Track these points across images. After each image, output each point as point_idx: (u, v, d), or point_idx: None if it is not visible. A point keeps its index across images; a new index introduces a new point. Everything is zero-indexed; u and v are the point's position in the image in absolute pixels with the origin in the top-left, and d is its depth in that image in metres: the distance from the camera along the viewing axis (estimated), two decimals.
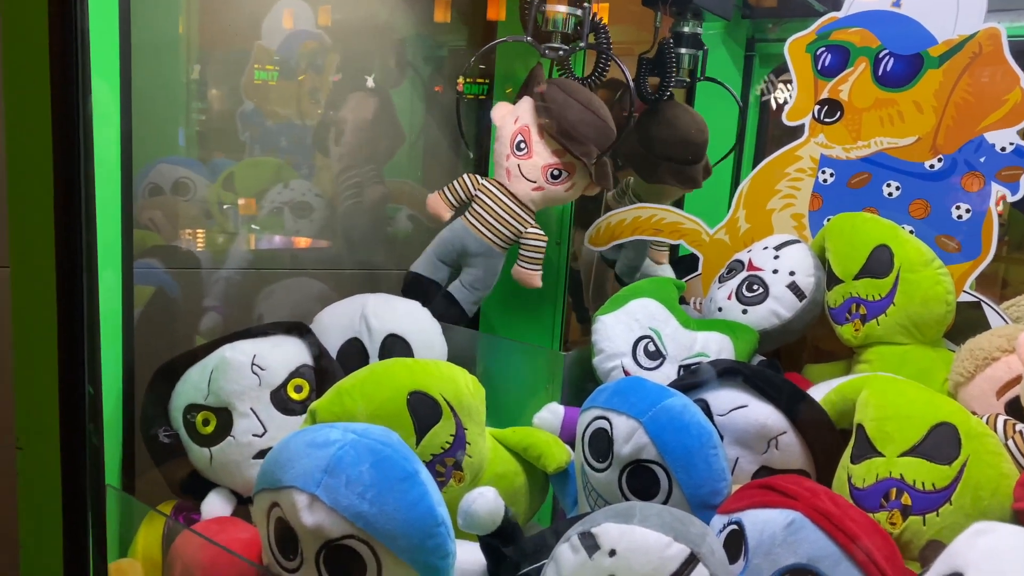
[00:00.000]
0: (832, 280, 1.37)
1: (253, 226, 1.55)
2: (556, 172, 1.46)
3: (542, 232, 1.50)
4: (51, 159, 0.89)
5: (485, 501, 0.89)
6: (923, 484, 0.96)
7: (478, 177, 1.52)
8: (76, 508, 0.95)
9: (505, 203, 1.47)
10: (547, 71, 1.60)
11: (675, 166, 1.76)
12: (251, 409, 1.12)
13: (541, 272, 1.50)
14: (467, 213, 1.51)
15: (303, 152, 1.58)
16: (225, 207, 1.51)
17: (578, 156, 1.44)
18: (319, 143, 1.58)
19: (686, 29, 1.80)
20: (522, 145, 1.46)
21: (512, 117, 1.50)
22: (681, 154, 1.76)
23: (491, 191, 1.49)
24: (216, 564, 0.97)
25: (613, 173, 1.55)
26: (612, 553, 0.77)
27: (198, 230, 1.47)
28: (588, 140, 1.44)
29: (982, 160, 1.35)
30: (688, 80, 1.85)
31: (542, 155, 1.46)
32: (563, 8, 1.46)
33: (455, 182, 1.52)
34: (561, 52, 1.49)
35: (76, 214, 0.90)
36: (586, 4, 1.49)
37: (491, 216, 1.46)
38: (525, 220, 1.48)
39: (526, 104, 1.50)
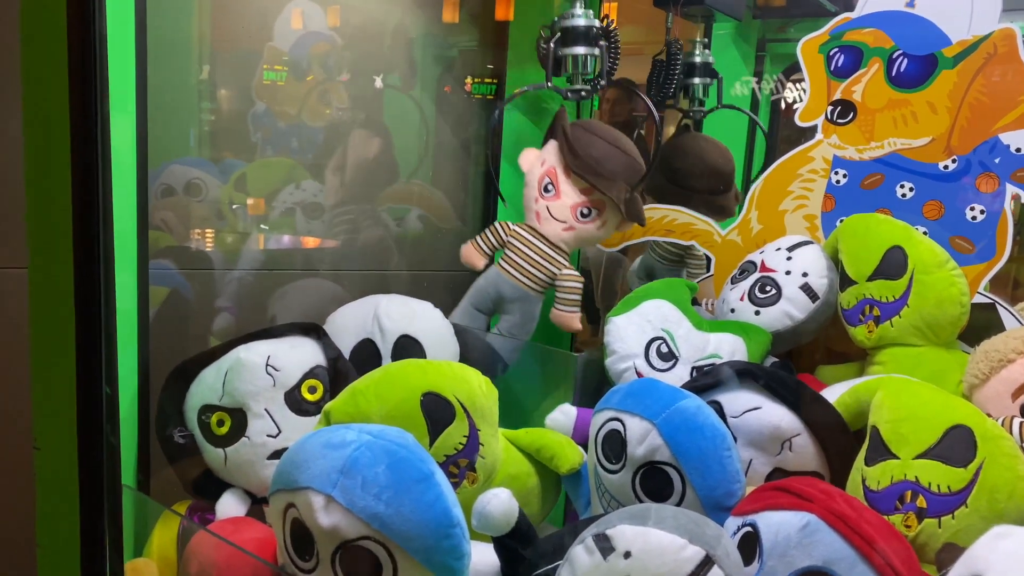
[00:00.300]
0: (845, 281, 1.36)
1: (266, 227, 1.55)
2: (585, 211, 1.47)
3: (577, 273, 1.51)
4: (69, 161, 0.89)
5: (499, 502, 0.89)
6: (939, 487, 0.95)
7: (509, 223, 1.53)
8: (93, 508, 0.96)
9: (537, 246, 1.48)
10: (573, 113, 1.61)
11: (707, 197, 1.76)
12: (265, 410, 1.13)
13: (580, 313, 1.51)
14: (501, 260, 1.52)
15: (314, 153, 1.58)
16: (238, 208, 1.51)
17: (606, 193, 1.44)
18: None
19: (698, 59, 1.81)
20: (549, 187, 1.47)
21: (539, 161, 1.52)
22: (711, 184, 1.76)
23: (523, 236, 1.50)
24: (231, 564, 0.98)
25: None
26: (627, 555, 0.77)
27: (211, 231, 1.48)
28: (616, 176, 1.45)
29: (997, 161, 1.35)
30: (703, 110, 1.86)
31: (570, 195, 1.47)
32: (582, 49, 1.47)
33: (487, 230, 1.54)
34: (583, 94, 1.50)
35: (94, 216, 0.91)
36: (601, 43, 1.50)
37: (525, 260, 1.47)
38: (559, 262, 1.49)
39: (552, 147, 1.51)
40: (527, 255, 1.47)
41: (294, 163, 1.57)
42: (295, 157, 1.56)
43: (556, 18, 1.51)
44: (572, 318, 1.49)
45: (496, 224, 1.53)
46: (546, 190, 1.47)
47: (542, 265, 1.47)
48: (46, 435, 0.96)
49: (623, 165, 1.46)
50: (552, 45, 1.48)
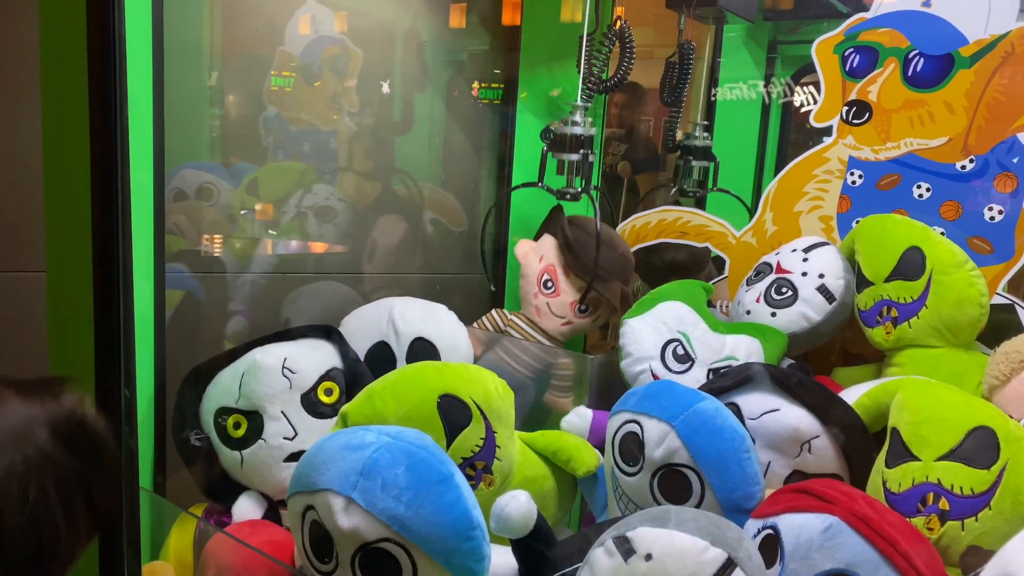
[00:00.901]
0: (862, 283, 1.35)
1: (278, 230, 1.55)
2: (583, 308, 1.53)
3: (571, 360, 1.55)
4: (88, 166, 0.90)
5: (518, 504, 0.88)
6: (961, 489, 0.94)
7: (506, 313, 1.59)
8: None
9: (536, 338, 1.54)
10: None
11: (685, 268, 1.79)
12: (282, 412, 1.13)
13: (572, 397, 1.54)
14: (498, 349, 1.55)
15: (326, 157, 1.58)
16: (250, 212, 1.52)
17: (603, 295, 1.50)
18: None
19: (697, 142, 1.83)
20: (549, 284, 1.53)
21: (536, 256, 1.56)
22: (684, 257, 1.77)
23: (521, 327, 1.56)
24: (248, 566, 0.98)
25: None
26: (648, 557, 0.77)
27: (224, 235, 1.48)
28: (612, 276, 1.51)
29: (1015, 161, 1.33)
30: (698, 190, 1.90)
31: (568, 293, 1.53)
32: (576, 156, 1.54)
33: (484, 319, 1.59)
34: (568, 196, 1.57)
35: (112, 220, 0.91)
36: (591, 152, 1.56)
37: (523, 352, 1.52)
38: (555, 352, 1.54)
39: (549, 243, 1.56)
40: (526, 347, 1.52)
41: (306, 168, 1.57)
42: (306, 161, 1.57)
43: (557, 122, 1.58)
44: (566, 403, 1.53)
45: (493, 312, 1.59)
46: (546, 286, 1.53)
47: (540, 356, 1.52)
48: None
49: (618, 266, 1.53)
50: (544, 151, 1.55)
